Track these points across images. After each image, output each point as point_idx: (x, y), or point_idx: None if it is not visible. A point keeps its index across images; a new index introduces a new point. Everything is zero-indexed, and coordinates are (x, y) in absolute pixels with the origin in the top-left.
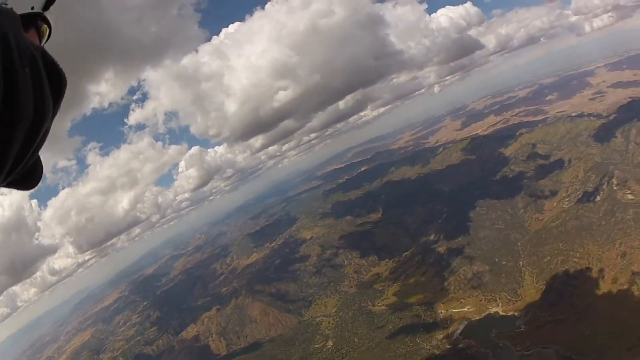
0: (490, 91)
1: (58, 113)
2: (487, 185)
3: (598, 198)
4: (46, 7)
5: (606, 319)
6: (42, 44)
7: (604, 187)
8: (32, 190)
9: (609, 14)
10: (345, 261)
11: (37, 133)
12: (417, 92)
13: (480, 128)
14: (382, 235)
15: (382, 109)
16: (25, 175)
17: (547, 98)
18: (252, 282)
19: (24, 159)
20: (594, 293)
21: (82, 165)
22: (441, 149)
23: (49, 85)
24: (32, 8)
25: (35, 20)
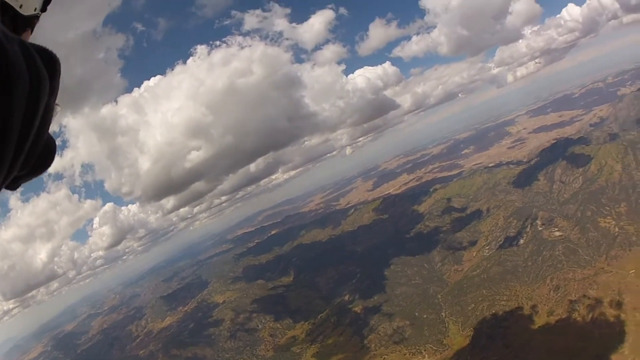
0: (403, 150)
1: None
2: (401, 242)
3: (522, 241)
4: (44, 9)
5: (547, 350)
6: None
7: (528, 229)
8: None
9: (537, 60)
10: (260, 325)
11: (37, 104)
12: (328, 155)
13: (393, 187)
14: (295, 298)
15: (293, 172)
16: (39, 158)
17: (462, 152)
18: (168, 345)
19: (29, 138)
20: (529, 329)
21: (5, 208)
22: (352, 210)
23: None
24: (35, 9)
25: (32, 22)
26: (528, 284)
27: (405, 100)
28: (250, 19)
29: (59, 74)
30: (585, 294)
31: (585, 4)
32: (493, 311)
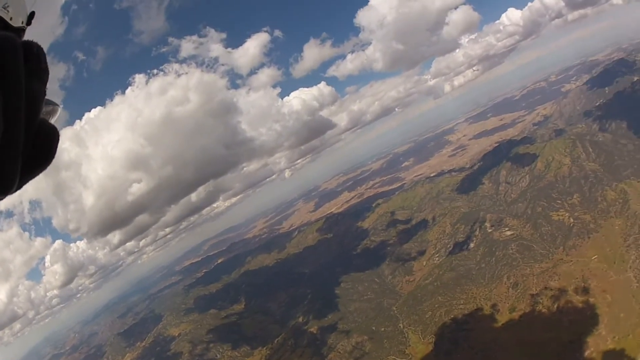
0: (342, 169)
1: None
2: (349, 259)
3: (472, 245)
4: (29, 23)
5: (515, 344)
6: None
7: (477, 233)
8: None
9: (474, 67)
10: (218, 355)
11: (10, 76)
12: (268, 179)
13: (335, 206)
14: (250, 325)
15: (234, 199)
16: (37, 150)
17: (402, 165)
18: None
19: (14, 122)
20: (492, 328)
21: None
22: (296, 233)
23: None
24: (22, 22)
25: (20, 35)
26: (484, 285)
27: (342, 119)
28: (187, 45)
29: (42, 57)
30: (546, 286)
31: (526, 7)
32: (452, 316)
